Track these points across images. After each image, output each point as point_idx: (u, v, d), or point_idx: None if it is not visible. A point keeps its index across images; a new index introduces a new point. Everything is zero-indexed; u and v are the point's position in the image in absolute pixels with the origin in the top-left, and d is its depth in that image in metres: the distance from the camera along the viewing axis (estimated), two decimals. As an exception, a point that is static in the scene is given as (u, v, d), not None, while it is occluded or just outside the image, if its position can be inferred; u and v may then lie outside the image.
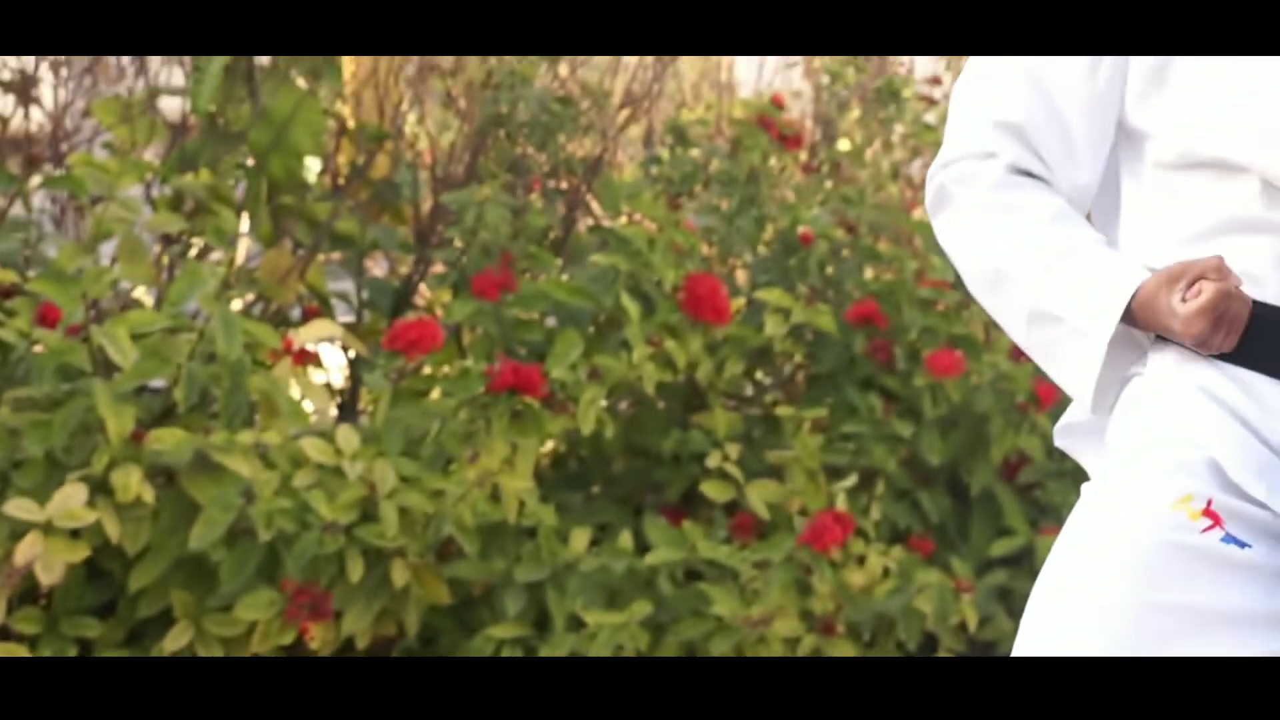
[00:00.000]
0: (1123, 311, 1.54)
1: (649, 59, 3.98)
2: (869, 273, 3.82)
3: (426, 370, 3.09)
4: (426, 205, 3.52)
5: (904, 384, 3.45)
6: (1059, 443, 1.75)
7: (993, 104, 1.65)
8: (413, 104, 3.64)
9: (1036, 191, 1.64)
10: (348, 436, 2.82)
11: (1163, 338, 1.58)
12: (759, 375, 3.72)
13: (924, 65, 5.13)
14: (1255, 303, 1.52)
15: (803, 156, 4.16)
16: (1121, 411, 1.61)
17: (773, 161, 3.74)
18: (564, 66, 3.96)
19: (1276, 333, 1.53)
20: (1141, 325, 1.56)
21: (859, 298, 3.61)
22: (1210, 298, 1.46)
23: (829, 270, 3.70)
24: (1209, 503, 1.46)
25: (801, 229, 3.51)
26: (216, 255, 3.18)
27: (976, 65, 1.69)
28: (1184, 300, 1.48)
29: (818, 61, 4.48)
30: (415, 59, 3.62)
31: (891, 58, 4.51)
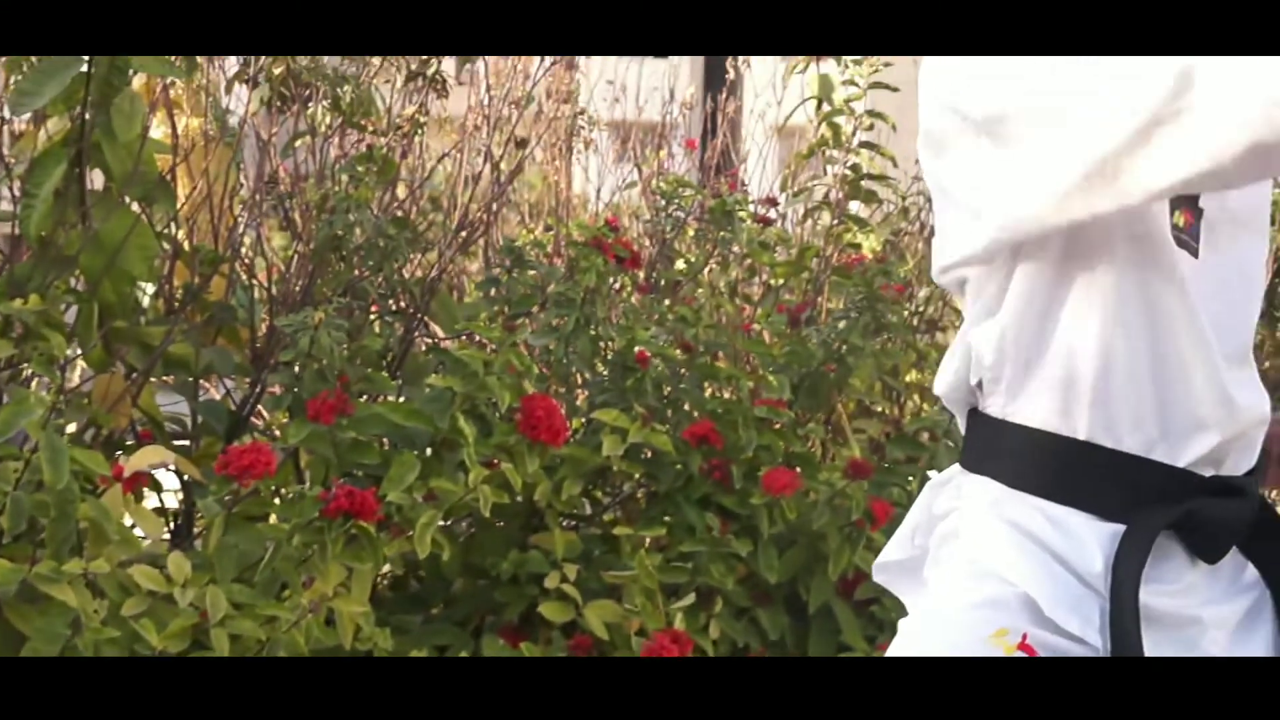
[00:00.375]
0: None
1: (486, 180, 4.04)
2: (708, 391, 3.88)
3: (266, 493, 3.06)
4: (263, 328, 3.52)
5: (741, 502, 3.49)
6: (877, 578, 1.78)
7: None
8: (249, 226, 3.64)
9: None
10: (179, 563, 2.78)
11: (976, 473, 1.63)
12: (597, 494, 3.75)
13: (758, 186, 5.25)
14: (1059, 438, 1.58)
15: (641, 276, 4.22)
16: (936, 548, 1.66)
17: (613, 281, 3.80)
18: (401, 188, 4.01)
19: (1084, 467, 1.59)
20: None
21: (697, 417, 3.66)
22: None
23: (667, 389, 3.75)
24: (1024, 637, 1.49)
25: (638, 349, 3.56)
26: (46, 381, 3.13)
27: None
28: None
29: (654, 182, 4.58)
30: (250, 181, 3.64)
31: (724, 178, 4.63)
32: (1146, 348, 1.59)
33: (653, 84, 5.64)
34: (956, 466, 1.69)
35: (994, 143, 1.52)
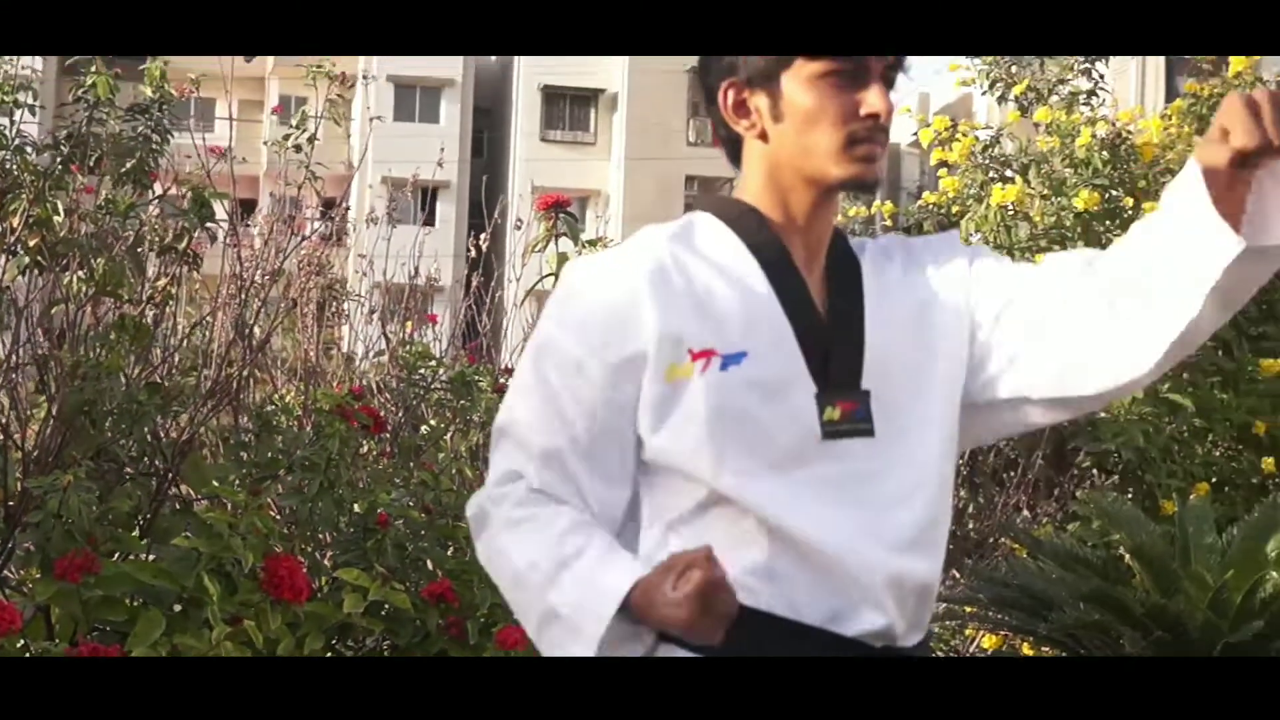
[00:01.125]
0: (618, 606, 1.79)
1: (239, 347, 4.20)
2: (449, 550, 4.08)
3: (12, 648, 3.14)
4: (18, 487, 3.60)
5: (476, 657, 3.68)
6: None
7: (521, 433, 1.94)
8: (5, 390, 3.73)
9: (553, 505, 1.90)
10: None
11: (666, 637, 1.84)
12: (340, 649, 3.89)
13: (509, 354, 5.50)
14: (743, 607, 1.79)
15: (386, 440, 4.42)
16: None
17: (361, 445, 3.99)
18: (157, 352, 4.14)
19: (763, 633, 1.84)
20: (644, 619, 1.80)
21: (437, 575, 3.86)
22: (697, 584, 1.72)
23: (408, 549, 3.93)
24: None
25: (380, 511, 3.75)
26: None
27: (510, 397, 1.99)
28: (674, 589, 1.74)
29: (401, 351, 4.81)
30: (6, 346, 3.73)
31: (464, 351, 4.87)
32: (816, 531, 1.85)
33: (418, 252, 5.87)
34: None
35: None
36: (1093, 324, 1.93)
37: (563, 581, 1.87)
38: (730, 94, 1.98)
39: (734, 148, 2.03)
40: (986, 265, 2.06)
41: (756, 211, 1.99)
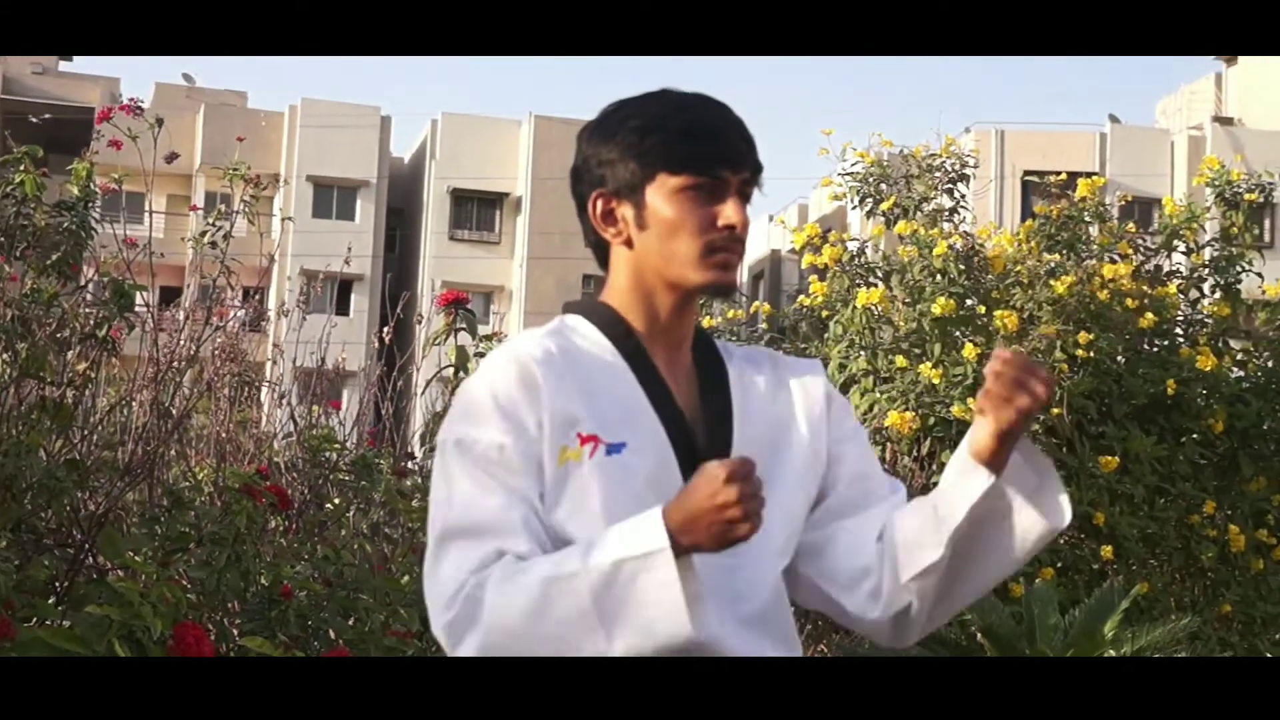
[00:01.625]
0: (664, 521, 1.76)
1: (154, 428, 4.22)
2: (350, 620, 4.10)
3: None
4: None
5: (370, 720, 3.70)
6: None
7: (476, 523, 1.90)
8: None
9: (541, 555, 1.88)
10: None
11: None
12: (241, 714, 3.89)
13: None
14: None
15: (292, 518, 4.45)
16: None
17: (270, 522, 4.01)
18: (76, 431, 4.15)
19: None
20: (690, 538, 1.77)
21: (338, 644, 3.88)
22: (729, 467, 1.75)
23: (310, 619, 3.95)
24: None
25: (284, 583, 3.78)
26: None
27: (444, 505, 1.94)
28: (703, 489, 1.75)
29: (307, 434, 4.85)
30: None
31: (364, 435, 4.92)
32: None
33: (327, 341, 5.91)
34: None
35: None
36: (862, 581, 2.04)
37: (599, 548, 1.81)
38: (599, 204, 2.05)
39: (602, 252, 2.09)
40: (847, 431, 2.16)
41: (620, 317, 2.04)
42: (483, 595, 1.85)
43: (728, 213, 1.99)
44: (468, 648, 1.85)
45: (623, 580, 1.78)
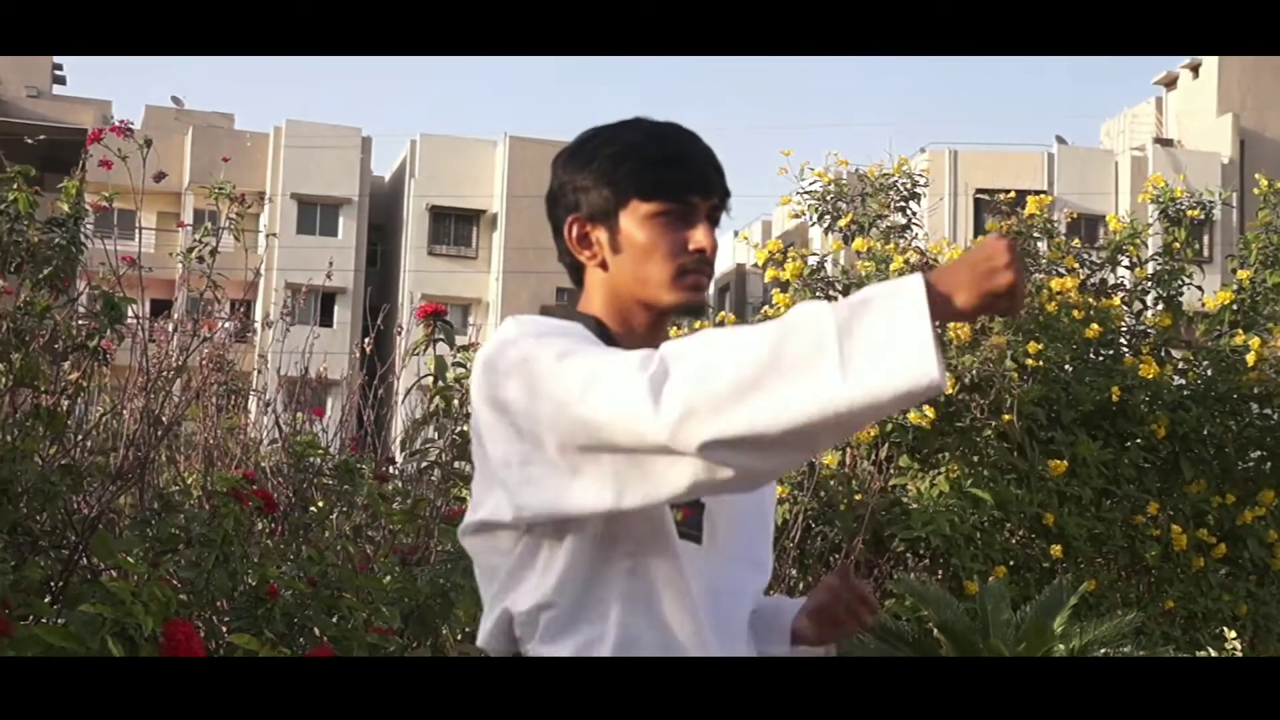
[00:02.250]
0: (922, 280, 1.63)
1: (140, 443, 4.21)
2: (333, 618, 4.08)
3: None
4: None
5: (353, 714, 3.69)
6: None
7: (607, 358, 1.77)
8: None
9: None
10: None
11: None
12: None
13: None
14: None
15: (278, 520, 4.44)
16: None
17: (255, 524, 4.00)
18: (70, 437, 4.14)
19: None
20: (949, 283, 1.64)
21: (321, 640, 3.87)
22: (1002, 243, 1.63)
23: (295, 617, 3.94)
24: None
25: (270, 582, 3.77)
26: None
27: (558, 375, 1.78)
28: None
29: (292, 440, 4.84)
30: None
31: (347, 441, 4.91)
32: (648, 618, 1.88)
33: (310, 351, 5.90)
34: None
35: (534, 448, 1.79)
36: None
37: (844, 303, 1.66)
38: (575, 228, 2.05)
39: (577, 272, 2.09)
40: None
41: (604, 325, 2.03)
42: (667, 369, 1.69)
43: (698, 237, 2.00)
44: (672, 395, 1.66)
45: (870, 314, 1.63)
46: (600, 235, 2.04)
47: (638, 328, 2.04)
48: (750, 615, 2.06)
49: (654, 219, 1.99)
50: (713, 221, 2.03)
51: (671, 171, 1.99)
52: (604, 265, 2.04)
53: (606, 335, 2.01)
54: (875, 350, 1.61)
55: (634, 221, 2.00)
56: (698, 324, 9.06)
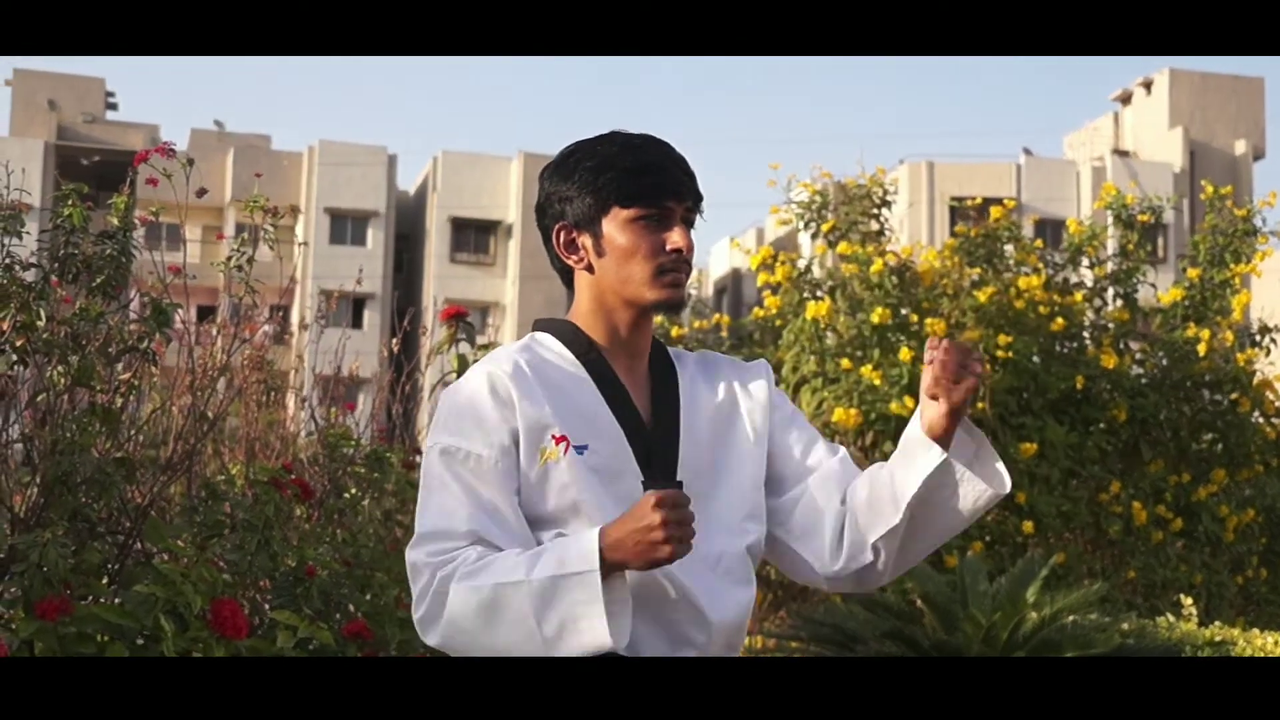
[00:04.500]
0: (598, 543, 1.81)
1: (191, 429, 4.19)
2: (366, 596, 4.09)
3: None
4: (6, 544, 3.56)
5: (386, 682, 3.69)
6: None
7: (447, 527, 1.93)
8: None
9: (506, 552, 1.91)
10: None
11: None
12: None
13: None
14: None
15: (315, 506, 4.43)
16: None
17: (294, 510, 3.99)
18: (124, 432, 4.12)
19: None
20: (619, 555, 1.81)
21: (356, 616, 3.87)
22: (655, 497, 1.79)
23: (332, 595, 3.94)
24: None
25: (308, 563, 3.76)
26: None
27: (428, 507, 1.96)
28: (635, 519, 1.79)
29: (328, 432, 4.83)
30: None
31: (375, 431, 4.88)
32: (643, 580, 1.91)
33: (342, 351, 5.91)
34: None
35: None
36: (826, 535, 2.07)
37: (543, 561, 1.85)
38: (562, 235, 2.09)
39: (566, 277, 2.13)
40: (786, 415, 2.18)
41: (584, 333, 2.07)
42: (446, 592, 1.88)
43: (674, 238, 2.03)
44: (433, 640, 1.91)
45: (558, 595, 1.82)
46: (586, 241, 2.07)
47: (622, 328, 2.07)
48: (883, 474, 2.02)
49: (634, 223, 2.03)
50: (687, 223, 2.07)
51: (647, 179, 2.02)
52: (590, 268, 2.07)
53: (588, 345, 2.06)
54: (567, 627, 1.82)
55: (615, 226, 2.04)
56: (695, 322, 9.05)
